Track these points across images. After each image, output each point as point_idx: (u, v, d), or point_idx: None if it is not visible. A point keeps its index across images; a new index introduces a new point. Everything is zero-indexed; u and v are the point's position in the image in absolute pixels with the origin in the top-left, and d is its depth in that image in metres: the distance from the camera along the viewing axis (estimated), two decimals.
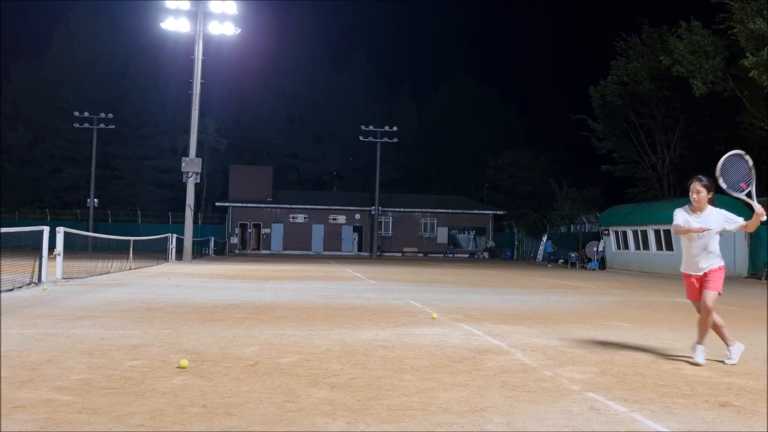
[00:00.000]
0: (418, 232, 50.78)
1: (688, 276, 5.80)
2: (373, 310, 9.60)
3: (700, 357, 5.64)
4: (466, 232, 51.26)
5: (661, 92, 34.24)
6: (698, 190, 5.66)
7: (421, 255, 49.09)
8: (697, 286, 5.74)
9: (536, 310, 10.00)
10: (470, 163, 61.65)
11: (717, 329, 5.78)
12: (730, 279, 22.34)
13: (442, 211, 51.10)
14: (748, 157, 5.71)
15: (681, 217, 5.76)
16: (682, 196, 32.01)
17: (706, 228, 5.53)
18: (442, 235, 50.86)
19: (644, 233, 26.41)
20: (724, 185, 5.72)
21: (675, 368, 5.47)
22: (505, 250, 47.02)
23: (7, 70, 54.43)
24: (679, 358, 5.95)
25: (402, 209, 50.68)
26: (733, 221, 5.67)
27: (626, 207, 30.37)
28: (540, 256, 39.76)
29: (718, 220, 5.67)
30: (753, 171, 5.66)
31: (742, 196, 5.70)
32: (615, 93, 35.20)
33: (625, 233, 27.89)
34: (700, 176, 5.75)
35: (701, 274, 5.67)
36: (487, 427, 3.63)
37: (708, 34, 28.64)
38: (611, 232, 28.90)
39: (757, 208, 5.49)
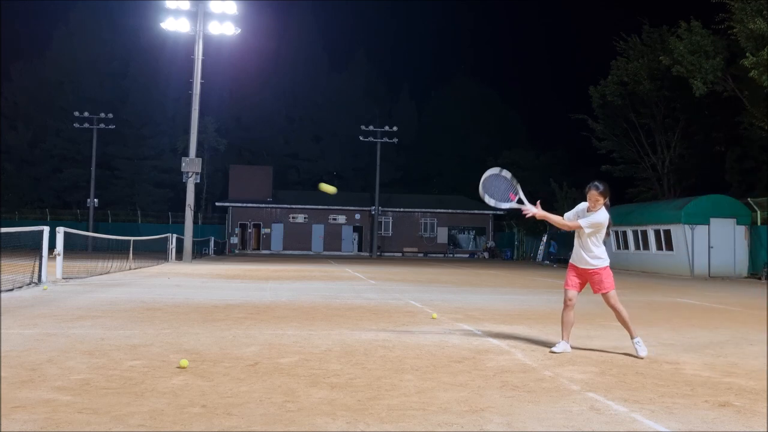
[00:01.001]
0: (418, 232, 50.79)
1: (574, 267, 6.13)
2: (373, 310, 9.59)
3: (642, 350, 5.92)
4: (466, 232, 51.26)
5: (661, 92, 34.24)
6: (597, 199, 5.93)
7: (421, 255, 49.09)
8: (578, 280, 6.10)
9: (536, 310, 10.00)
10: (470, 163, 61.59)
11: (567, 325, 6.16)
12: (730, 279, 22.37)
13: (442, 211, 51.11)
14: (504, 172, 6.28)
15: (574, 210, 6.15)
16: (682, 196, 32.03)
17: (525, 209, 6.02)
18: (442, 235, 50.87)
19: (644, 233, 26.41)
20: (491, 202, 6.23)
21: (675, 368, 5.48)
22: (505, 250, 47.01)
23: (7, 70, 54.50)
24: (680, 358, 5.95)
25: (402, 209, 50.68)
26: (582, 222, 6.00)
27: (626, 207, 30.34)
28: (540, 256, 39.75)
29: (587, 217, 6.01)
30: (514, 180, 6.22)
31: (515, 204, 6.17)
32: (615, 93, 35.19)
33: (625, 233, 27.89)
34: (597, 184, 6.00)
35: (584, 269, 6.03)
36: (487, 427, 3.63)
37: (708, 34, 28.63)
38: (611, 232, 28.89)
39: (527, 207, 6.04)
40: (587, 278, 6.06)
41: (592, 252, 5.97)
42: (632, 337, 6.01)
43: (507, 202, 6.16)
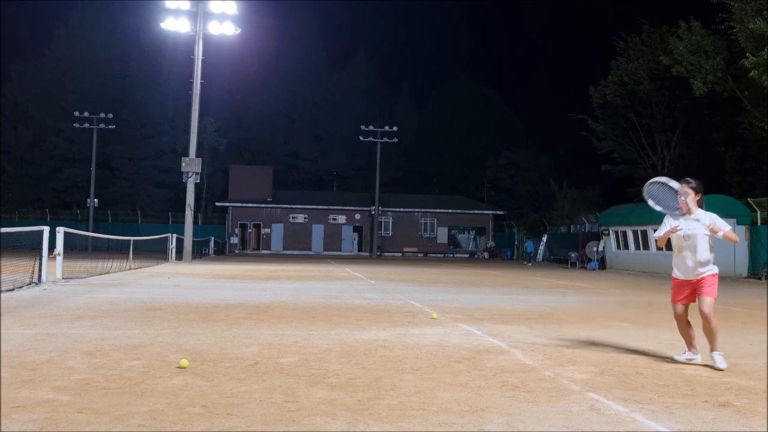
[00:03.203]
0: (418, 232, 50.78)
1: (680, 280, 5.73)
2: (373, 310, 9.59)
3: (721, 362, 5.51)
4: (466, 232, 51.26)
5: (661, 92, 34.24)
6: (686, 192, 5.62)
7: (421, 255, 49.09)
8: (688, 292, 5.68)
9: (536, 310, 10.00)
10: (470, 163, 61.66)
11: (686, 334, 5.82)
12: (730, 279, 22.35)
13: (442, 211, 51.11)
14: (673, 183, 5.81)
15: (668, 223, 5.70)
16: None
17: (685, 231, 5.45)
18: (442, 235, 50.86)
19: (644, 233, 26.40)
20: (657, 207, 5.82)
21: (675, 368, 5.48)
22: (505, 250, 47.02)
23: (7, 70, 54.43)
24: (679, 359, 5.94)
25: (402, 209, 50.68)
26: (720, 228, 5.58)
27: (626, 207, 30.33)
28: (540, 256, 39.78)
29: (704, 223, 5.61)
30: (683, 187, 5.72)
31: (678, 220, 5.75)
32: (615, 93, 35.21)
33: (625, 233, 27.87)
34: (688, 179, 5.73)
35: (694, 279, 5.61)
36: (487, 427, 3.63)
37: (708, 34, 28.63)
38: (611, 232, 28.89)
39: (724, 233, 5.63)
40: (696, 285, 5.63)
41: (705, 256, 5.58)
42: (713, 349, 5.60)
43: (675, 211, 5.72)
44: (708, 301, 5.50)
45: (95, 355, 5.46)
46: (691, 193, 5.60)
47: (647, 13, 51.01)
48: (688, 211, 5.64)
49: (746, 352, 6.44)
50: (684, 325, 5.76)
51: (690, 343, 5.78)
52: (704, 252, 5.57)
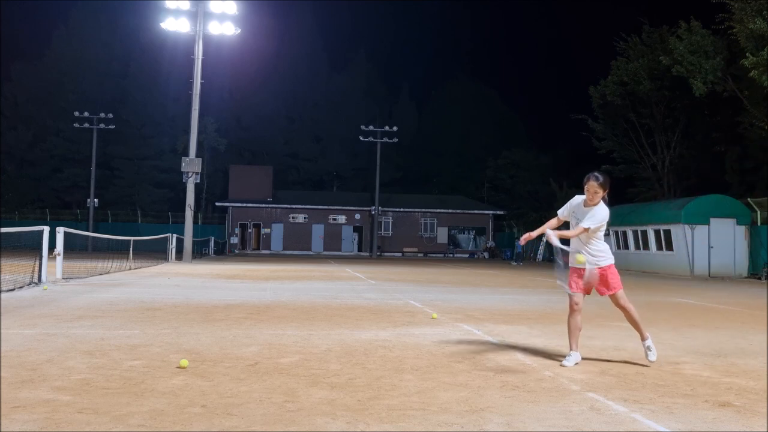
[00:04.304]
0: (418, 232, 50.79)
1: (577, 270, 5.59)
2: (373, 310, 9.59)
3: (652, 355, 5.56)
4: (466, 232, 51.27)
5: (661, 92, 34.25)
6: (596, 191, 5.42)
7: (421, 255, 49.09)
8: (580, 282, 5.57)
9: (536, 310, 10.00)
10: (470, 163, 61.71)
11: (575, 331, 5.63)
12: (730, 279, 22.37)
13: (442, 211, 51.13)
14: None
15: (567, 205, 5.65)
16: (682, 196, 32.03)
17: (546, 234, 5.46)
18: (442, 235, 50.87)
19: (644, 233, 26.41)
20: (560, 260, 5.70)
21: (675, 368, 5.47)
22: (505, 250, 47.02)
23: (7, 70, 54.47)
24: (680, 358, 5.94)
25: (402, 209, 50.69)
26: (587, 222, 5.45)
27: (626, 207, 30.35)
28: (540, 256, 39.76)
29: (587, 215, 5.48)
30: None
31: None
32: (615, 93, 35.21)
33: (625, 233, 27.87)
34: (597, 174, 5.47)
35: (581, 268, 5.52)
36: (487, 427, 3.63)
37: (708, 34, 28.64)
38: (611, 232, 28.89)
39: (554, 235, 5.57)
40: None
41: (595, 250, 5.51)
42: (643, 339, 5.61)
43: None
44: (621, 293, 5.59)
45: (95, 355, 5.46)
46: (600, 191, 5.43)
47: (647, 13, 51.07)
48: (592, 203, 5.48)
49: (746, 352, 6.44)
50: (579, 318, 5.59)
51: (576, 342, 5.59)
52: (600, 243, 5.56)
